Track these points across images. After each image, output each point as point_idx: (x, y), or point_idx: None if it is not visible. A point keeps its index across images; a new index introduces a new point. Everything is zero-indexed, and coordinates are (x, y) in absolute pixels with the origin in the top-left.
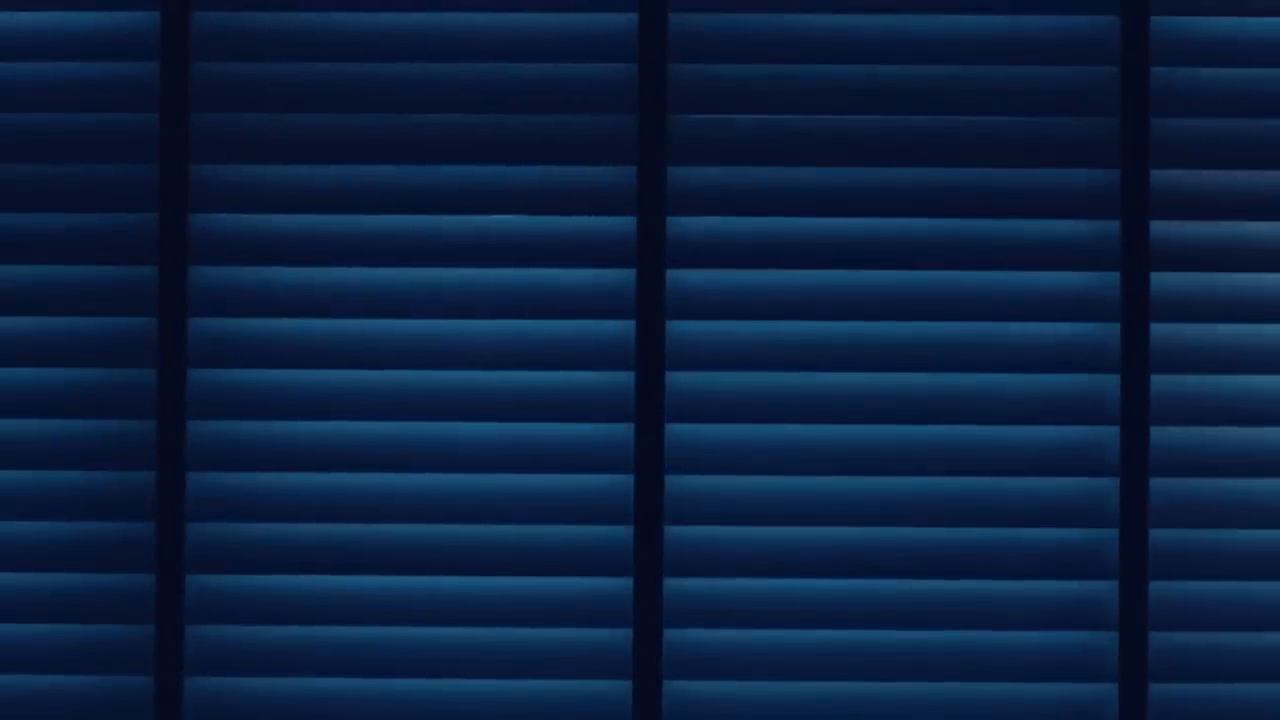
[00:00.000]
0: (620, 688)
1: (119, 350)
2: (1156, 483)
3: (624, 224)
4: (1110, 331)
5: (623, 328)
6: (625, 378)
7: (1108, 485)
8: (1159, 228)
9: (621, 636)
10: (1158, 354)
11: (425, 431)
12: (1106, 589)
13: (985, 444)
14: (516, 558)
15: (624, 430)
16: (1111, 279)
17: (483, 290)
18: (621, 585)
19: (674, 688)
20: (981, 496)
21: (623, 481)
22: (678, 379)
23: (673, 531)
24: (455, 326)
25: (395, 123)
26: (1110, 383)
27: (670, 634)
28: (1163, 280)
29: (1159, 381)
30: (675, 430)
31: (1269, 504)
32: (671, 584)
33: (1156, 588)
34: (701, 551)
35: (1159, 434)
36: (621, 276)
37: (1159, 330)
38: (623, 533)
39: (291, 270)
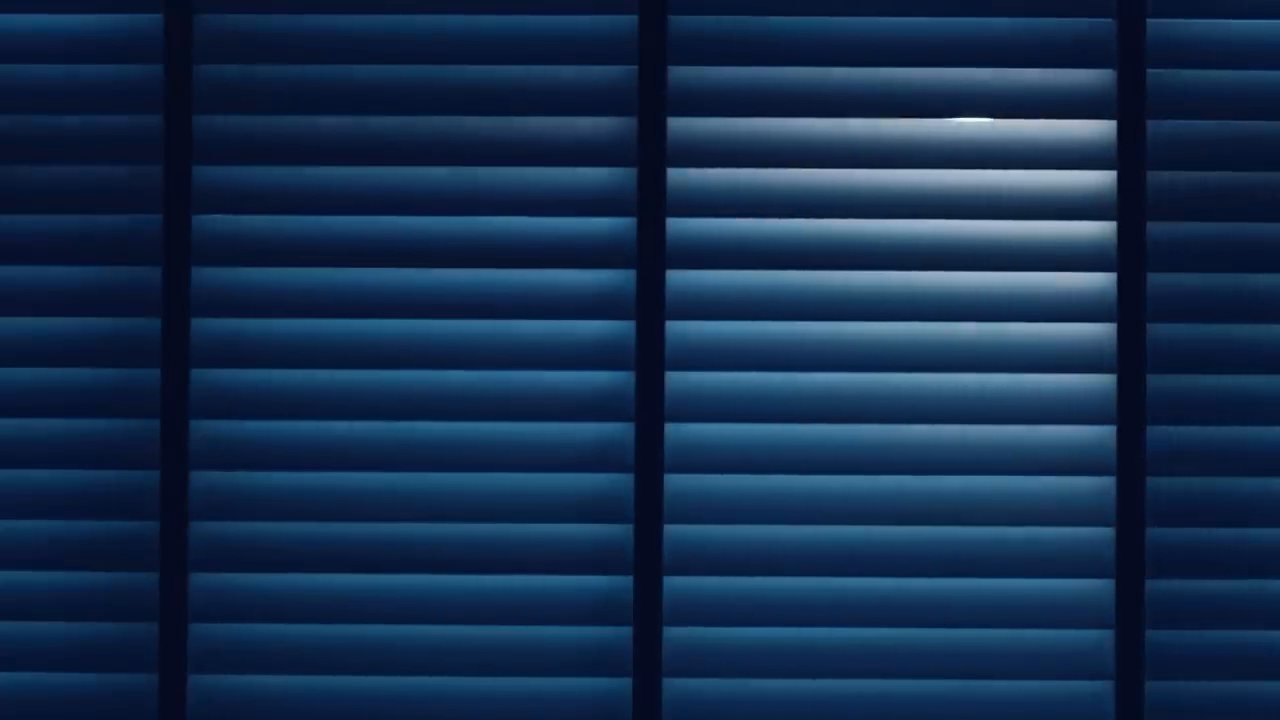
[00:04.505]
0: (620, 685)
1: (122, 350)
2: (1153, 482)
3: (624, 225)
4: (1107, 332)
5: (623, 328)
6: (625, 378)
7: (1104, 484)
8: (1156, 229)
9: (621, 635)
10: (1154, 354)
11: (426, 431)
12: (1103, 587)
13: (983, 443)
14: (517, 557)
15: (624, 430)
16: (1109, 279)
17: (484, 291)
18: (621, 584)
19: (674, 685)
20: (979, 495)
21: (623, 481)
22: (678, 379)
23: (672, 530)
24: (457, 327)
25: (397, 125)
26: (1107, 382)
27: (670, 632)
28: (1159, 280)
29: (1155, 381)
30: (675, 430)
31: (1266, 503)
32: (671, 582)
33: (1153, 586)
34: (701, 550)
35: (1155, 433)
36: (621, 277)
37: (1156, 330)
38: (623, 532)
39: (294, 271)
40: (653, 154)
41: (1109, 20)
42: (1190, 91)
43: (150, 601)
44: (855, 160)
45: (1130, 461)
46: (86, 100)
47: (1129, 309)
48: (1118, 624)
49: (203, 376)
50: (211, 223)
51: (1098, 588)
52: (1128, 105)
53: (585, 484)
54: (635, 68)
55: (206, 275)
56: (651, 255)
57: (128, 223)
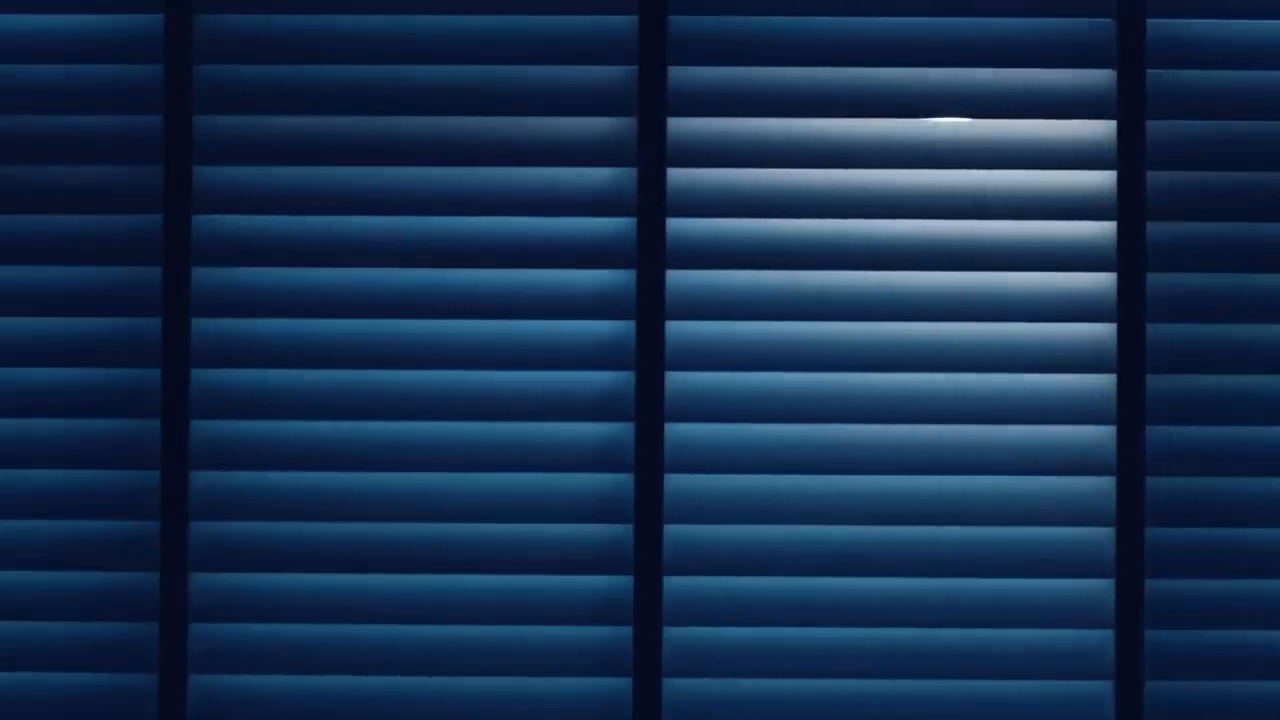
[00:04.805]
0: (620, 685)
1: (123, 350)
2: (1153, 482)
3: (624, 225)
4: (1107, 332)
5: (623, 328)
6: (625, 378)
7: (1104, 484)
8: (1156, 229)
9: (621, 635)
10: (1154, 354)
11: (426, 431)
12: (1103, 587)
13: (983, 443)
14: (517, 557)
15: (624, 430)
16: (1109, 279)
17: (484, 291)
18: (622, 584)
19: (674, 685)
20: (979, 495)
21: (623, 481)
22: (678, 379)
23: (672, 530)
24: (456, 327)
25: (397, 125)
26: (1107, 382)
27: (670, 632)
28: (1159, 280)
29: (1155, 381)
30: (675, 430)
31: (1266, 503)
32: (671, 582)
33: (1153, 586)
34: (701, 550)
35: (1155, 433)
36: (622, 277)
37: (1155, 330)
38: (623, 532)
39: (294, 271)
40: (653, 154)
41: (1109, 20)
42: (1190, 91)
43: (150, 601)
44: (855, 160)
45: (1130, 461)
46: (86, 100)
47: (1129, 309)
48: (1118, 624)
49: (203, 376)
50: (211, 223)
51: (1098, 588)
52: (1128, 105)
53: (585, 484)
54: (635, 68)
55: (206, 275)
56: (651, 255)
57: (128, 223)
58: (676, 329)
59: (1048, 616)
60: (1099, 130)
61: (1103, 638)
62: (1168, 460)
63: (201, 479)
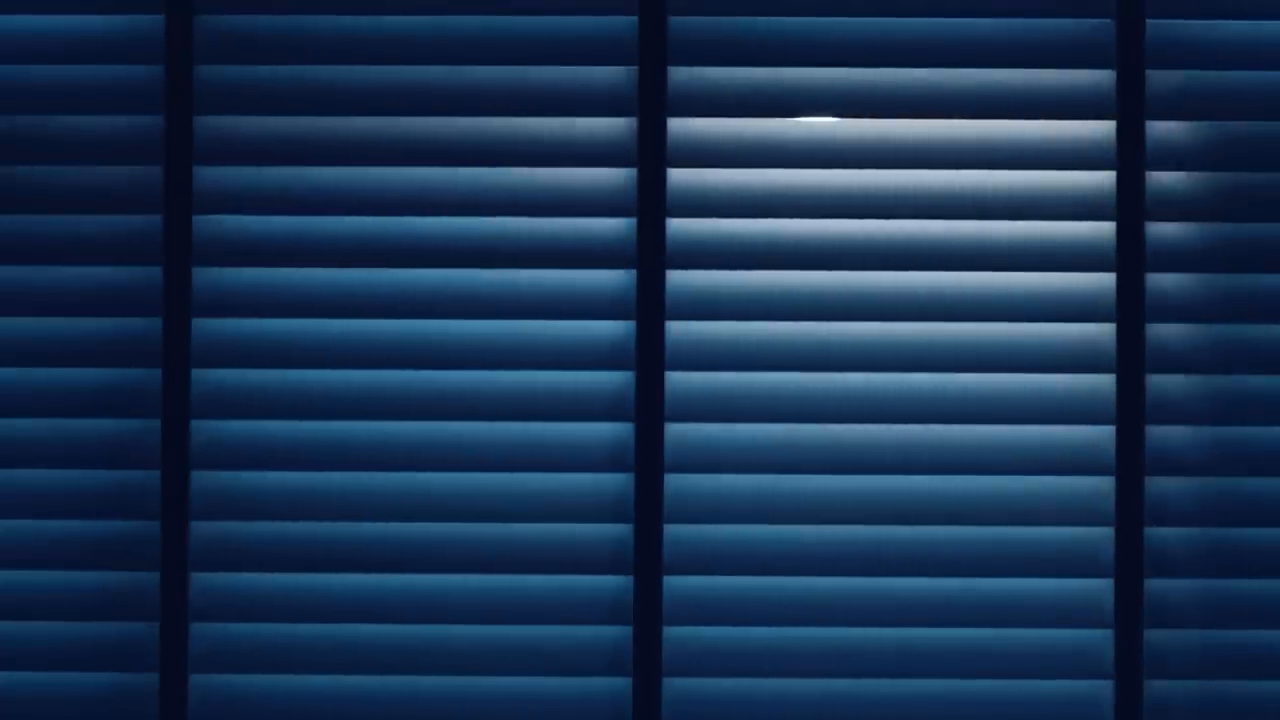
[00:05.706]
0: (620, 685)
1: (123, 350)
2: (1152, 482)
3: (624, 226)
4: (1106, 332)
5: (623, 328)
6: (625, 378)
7: (1104, 484)
8: (1155, 229)
9: (622, 635)
10: (1153, 354)
11: (427, 431)
12: (1102, 587)
13: (983, 443)
14: (516, 557)
15: (624, 430)
16: (1108, 279)
17: (484, 292)
18: (621, 584)
19: (674, 685)
20: (979, 495)
21: (623, 481)
22: (678, 379)
23: (672, 530)
24: (457, 327)
25: (397, 126)
26: (1106, 382)
27: (670, 631)
28: (1159, 280)
29: (1155, 381)
30: (675, 430)
31: (1266, 503)
32: (671, 582)
33: (1151, 586)
34: (701, 550)
35: (1155, 433)
36: (622, 277)
37: (1155, 330)
38: (623, 532)
39: (294, 271)
40: (653, 154)
41: (1109, 20)
42: (1190, 92)
43: (150, 601)
44: (855, 160)
45: (1129, 461)
46: (87, 100)
47: (1128, 309)
48: (1117, 624)
49: (203, 376)
50: (211, 223)
51: (1097, 588)
52: (1127, 105)
53: (585, 484)
54: (635, 68)
55: (207, 275)
56: (651, 255)
57: (128, 223)
58: (676, 329)
59: (1047, 616)
60: (1099, 130)
61: (1102, 638)
62: (1167, 460)
63: (201, 479)
